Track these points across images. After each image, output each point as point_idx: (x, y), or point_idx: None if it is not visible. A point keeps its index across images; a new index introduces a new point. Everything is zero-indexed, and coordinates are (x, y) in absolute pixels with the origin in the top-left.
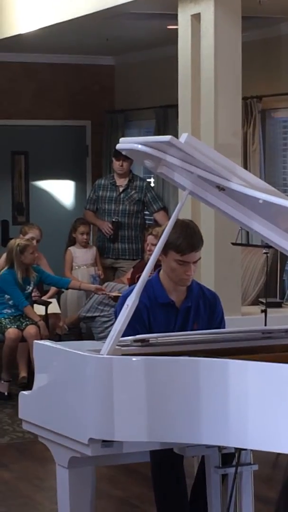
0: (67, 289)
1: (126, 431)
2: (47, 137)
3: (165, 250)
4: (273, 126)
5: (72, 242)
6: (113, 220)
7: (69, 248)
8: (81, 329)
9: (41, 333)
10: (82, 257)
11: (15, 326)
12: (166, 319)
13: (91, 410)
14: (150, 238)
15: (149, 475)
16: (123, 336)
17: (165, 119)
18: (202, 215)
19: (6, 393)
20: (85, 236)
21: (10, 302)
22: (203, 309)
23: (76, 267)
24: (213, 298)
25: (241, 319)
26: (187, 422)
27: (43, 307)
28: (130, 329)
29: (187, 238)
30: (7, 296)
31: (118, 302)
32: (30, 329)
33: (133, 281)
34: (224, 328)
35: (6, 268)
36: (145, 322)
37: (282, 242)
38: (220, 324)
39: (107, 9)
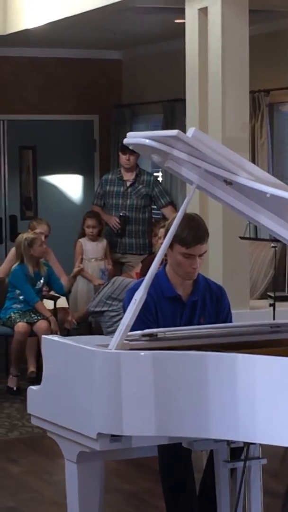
0: (64, 293)
1: (135, 426)
2: (55, 132)
3: (170, 244)
4: (281, 119)
5: (83, 234)
6: (121, 214)
7: (80, 239)
8: (91, 324)
9: (52, 328)
10: (92, 250)
11: (25, 321)
12: (173, 313)
13: (99, 404)
14: (162, 232)
15: (158, 469)
16: (133, 329)
17: (172, 113)
18: (210, 209)
19: (15, 388)
20: (90, 230)
21: (21, 298)
22: (209, 302)
23: (86, 261)
24: (219, 292)
25: (250, 313)
26: (196, 416)
27: (52, 302)
28: (140, 322)
29: (192, 231)
30: (17, 291)
31: (126, 296)
32: (41, 324)
33: (143, 276)
34: (231, 321)
35: (17, 263)
36: (153, 315)
37: None
38: (227, 317)
39: (114, 3)
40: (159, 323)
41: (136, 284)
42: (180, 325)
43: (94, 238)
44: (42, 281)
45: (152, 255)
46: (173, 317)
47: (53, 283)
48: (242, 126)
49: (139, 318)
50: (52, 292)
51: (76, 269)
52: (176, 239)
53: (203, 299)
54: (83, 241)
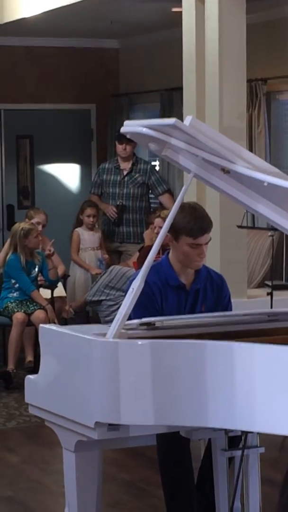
0: (52, 282)
1: (132, 415)
2: (52, 121)
3: (176, 236)
4: (279, 108)
5: (79, 223)
6: (118, 203)
7: (76, 229)
8: (88, 313)
9: (49, 317)
10: (89, 240)
11: (22, 311)
12: (178, 301)
13: (97, 393)
14: (158, 221)
15: (156, 458)
16: (135, 317)
17: (170, 102)
18: (208, 198)
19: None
20: (91, 219)
21: (16, 286)
22: (210, 291)
23: (83, 250)
24: (220, 280)
25: (247, 302)
26: (194, 405)
27: (49, 291)
28: (142, 310)
29: (197, 221)
30: (12, 281)
31: (127, 285)
32: (39, 314)
33: (140, 265)
34: (231, 309)
35: (11, 253)
36: (158, 304)
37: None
38: (228, 305)
39: None
40: (164, 311)
41: (136, 274)
42: (184, 313)
43: (92, 227)
44: (36, 270)
45: (149, 245)
46: (178, 305)
47: (44, 272)
48: (240, 115)
49: (142, 305)
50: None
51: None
52: (182, 231)
53: (205, 288)
54: (80, 230)
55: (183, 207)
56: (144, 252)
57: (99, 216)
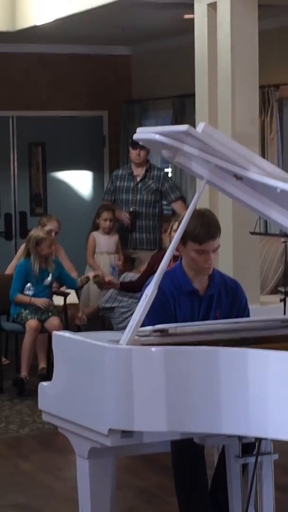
0: (77, 288)
1: (146, 421)
2: (64, 128)
3: (183, 241)
4: None
5: (95, 227)
6: (131, 210)
7: (92, 233)
8: (104, 319)
9: (43, 303)
10: (104, 244)
11: (36, 318)
12: (191, 307)
13: (110, 400)
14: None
15: (169, 465)
16: (148, 324)
17: (182, 109)
18: (220, 205)
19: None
20: (108, 223)
21: (27, 292)
22: (224, 296)
23: (98, 254)
24: (234, 285)
25: (260, 308)
26: (207, 411)
27: (62, 298)
28: (156, 317)
29: (204, 227)
30: (25, 286)
31: (141, 292)
32: (53, 321)
33: (152, 272)
34: (248, 314)
35: (23, 258)
36: (171, 310)
37: None
38: (245, 310)
39: None
40: (177, 317)
41: (151, 281)
42: (197, 319)
43: (108, 231)
44: (50, 278)
45: (161, 252)
46: (191, 312)
47: (65, 278)
48: (252, 121)
49: (156, 312)
50: (62, 288)
51: (91, 274)
52: (188, 236)
53: (219, 293)
54: (96, 234)
55: (192, 212)
56: (155, 259)
57: (116, 220)
